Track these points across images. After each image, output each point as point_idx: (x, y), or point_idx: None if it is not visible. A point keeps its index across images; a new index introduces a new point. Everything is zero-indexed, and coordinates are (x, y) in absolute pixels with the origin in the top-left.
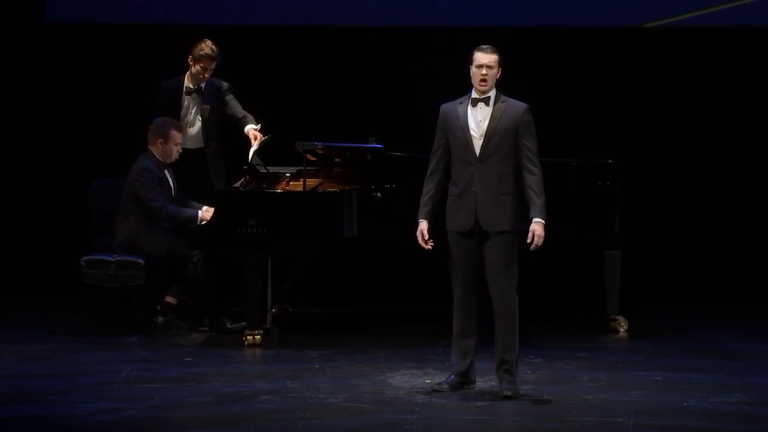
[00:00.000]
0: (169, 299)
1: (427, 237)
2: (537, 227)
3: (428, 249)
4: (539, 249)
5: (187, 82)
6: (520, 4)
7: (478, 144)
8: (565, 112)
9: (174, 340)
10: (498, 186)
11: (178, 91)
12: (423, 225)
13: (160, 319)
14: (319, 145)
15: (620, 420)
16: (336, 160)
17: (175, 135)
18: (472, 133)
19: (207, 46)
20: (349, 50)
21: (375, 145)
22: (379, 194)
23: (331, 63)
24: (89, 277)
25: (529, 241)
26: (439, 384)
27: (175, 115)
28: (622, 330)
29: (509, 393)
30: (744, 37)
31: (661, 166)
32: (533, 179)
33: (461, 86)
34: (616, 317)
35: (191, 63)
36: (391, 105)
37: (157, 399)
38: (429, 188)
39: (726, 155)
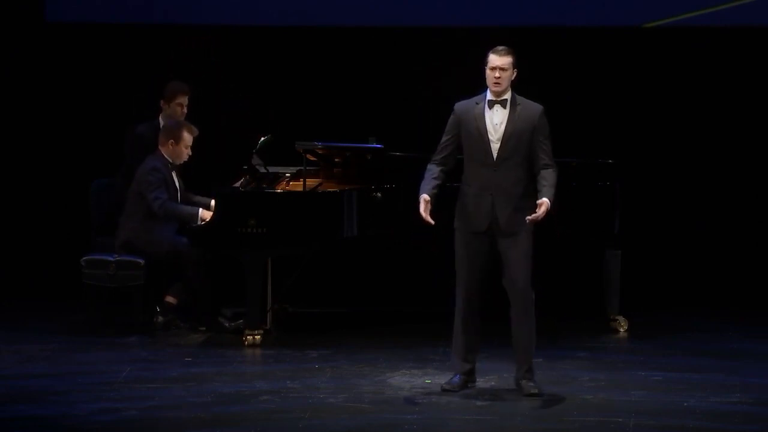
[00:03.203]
0: (169, 299)
1: (429, 209)
2: (546, 204)
3: (428, 222)
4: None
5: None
6: (520, 4)
7: (495, 147)
8: (565, 112)
9: (174, 340)
10: (515, 189)
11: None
12: (426, 197)
13: (160, 319)
14: (319, 145)
15: (620, 420)
16: (336, 160)
17: (187, 137)
18: (489, 136)
19: (177, 84)
20: (349, 50)
21: (375, 145)
22: (379, 194)
23: (331, 63)
24: (89, 277)
25: (534, 215)
26: (449, 383)
27: None
28: (622, 330)
29: (535, 391)
30: (744, 37)
31: (661, 166)
32: (549, 172)
33: (461, 86)
34: (616, 317)
35: (165, 106)
36: (391, 105)
37: (157, 399)
38: (434, 173)
39: (726, 155)
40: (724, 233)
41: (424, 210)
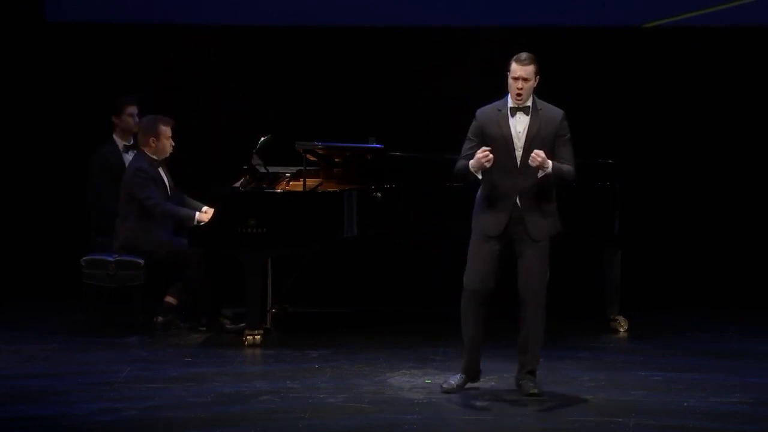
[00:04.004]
0: (169, 299)
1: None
2: (548, 162)
3: (483, 156)
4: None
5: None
6: (520, 4)
7: (519, 154)
8: (565, 113)
9: (174, 340)
10: (538, 195)
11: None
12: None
13: (160, 319)
14: (319, 145)
15: (620, 420)
16: (336, 160)
17: (165, 129)
18: (514, 144)
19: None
20: (349, 50)
21: (375, 145)
22: (379, 194)
23: (331, 63)
24: (89, 277)
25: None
26: (449, 383)
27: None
28: (622, 330)
29: (535, 391)
30: (744, 37)
31: (661, 166)
32: (567, 166)
33: (461, 86)
34: (616, 317)
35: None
36: (391, 105)
37: (157, 399)
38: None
39: (726, 155)
40: (724, 233)
41: (476, 157)
